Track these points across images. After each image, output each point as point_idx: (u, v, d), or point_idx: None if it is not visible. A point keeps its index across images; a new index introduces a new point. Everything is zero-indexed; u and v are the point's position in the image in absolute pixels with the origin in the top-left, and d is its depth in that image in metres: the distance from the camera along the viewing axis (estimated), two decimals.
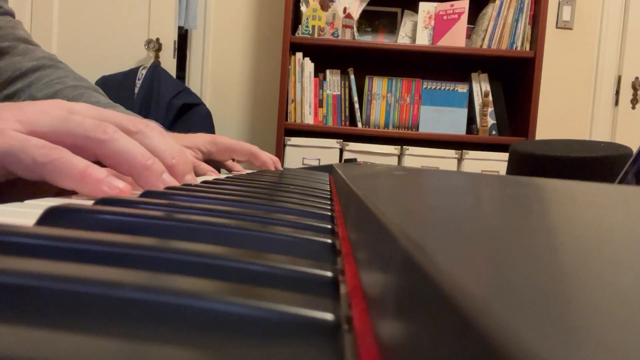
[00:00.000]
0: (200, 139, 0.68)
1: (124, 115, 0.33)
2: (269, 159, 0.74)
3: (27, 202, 0.23)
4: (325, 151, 1.99)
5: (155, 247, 0.14)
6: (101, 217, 0.19)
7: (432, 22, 2.05)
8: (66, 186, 0.27)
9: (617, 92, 2.33)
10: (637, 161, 0.59)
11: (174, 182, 0.33)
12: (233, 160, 0.75)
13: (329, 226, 0.22)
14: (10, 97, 0.60)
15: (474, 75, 2.09)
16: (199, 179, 0.42)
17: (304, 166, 1.70)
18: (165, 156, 0.34)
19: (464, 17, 2.00)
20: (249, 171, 0.74)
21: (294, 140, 1.99)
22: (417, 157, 1.99)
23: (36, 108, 0.29)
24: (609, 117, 2.34)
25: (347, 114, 2.10)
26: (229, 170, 0.76)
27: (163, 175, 0.32)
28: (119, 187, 0.27)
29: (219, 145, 0.69)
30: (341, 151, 2.00)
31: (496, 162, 1.97)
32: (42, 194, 0.31)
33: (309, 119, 2.06)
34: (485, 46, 2.01)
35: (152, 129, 0.34)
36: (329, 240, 0.18)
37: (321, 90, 2.08)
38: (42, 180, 0.27)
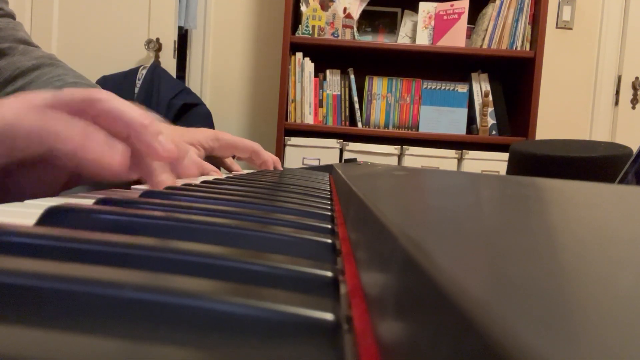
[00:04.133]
0: (202, 134, 0.67)
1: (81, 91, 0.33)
2: (270, 158, 0.74)
3: (27, 202, 0.23)
4: (325, 151, 1.99)
5: (155, 247, 0.14)
6: (101, 217, 0.19)
7: (432, 22, 2.05)
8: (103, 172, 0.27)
9: (617, 92, 2.33)
10: (637, 161, 0.59)
11: (170, 145, 0.32)
12: (234, 157, 0.75)
13: (329, 226, 0.22)
14: (10, 96, 0.60)
15: (474, 75, 2.09)
16: (200, 179, 0.42)
17: (304, 166, 1.70)
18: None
19: (464, 17, 2.00)
20: (248, 171, 0.74)
21: (294, 140, 1.99)
22: (417, 157, 1.99)
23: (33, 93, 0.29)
24: (609, 117, 2.34)
25: (347, 114, 2.10)
26: (228, 169, 0.76)
27: (160, 136, 0.31)
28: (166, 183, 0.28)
29: (222, 142, 0.68)
30: (341, 151, 2.00)
31: (496, 162, 1.97)
32: (45, 190, 0.31)
33: (309, 119, 2.06)
34: (485, 46, 2.01)
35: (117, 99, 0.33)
36: (329, 240, 0.18)
37: (321, 90, 2.08)
38: (42, 176, 0.27)
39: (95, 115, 0.29)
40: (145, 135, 0.30)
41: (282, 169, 0.78)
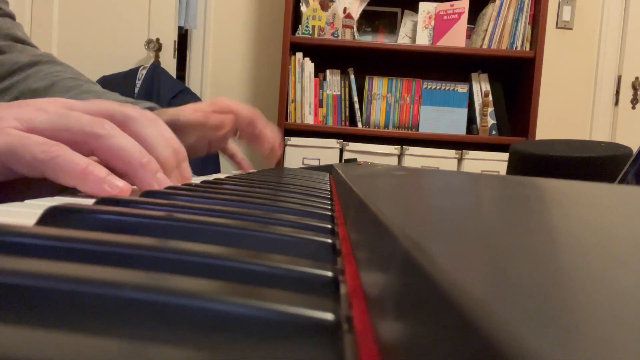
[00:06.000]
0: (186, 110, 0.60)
1: (117, 104, 0.33)
2: (270, 133, 0.65)
3: (27, 202, 0.23)
4: (325, 151, 1.99)
5: (156, 247, 0.14)
6: (101, 217, 0.19)
7: (432, 22, 2.05)
8: (67, 183, 0.27)
9: (617, 92, 2.33)
10: (637, 161, 0.59)
11: (168, 182, 0.33)
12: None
13: (329, 226, 0.22)
14: (6, 90, 0.60)
15: (474, 75, 2.09)
16: (200, 179, 0.42)
17: (304, 166, 1.70)
18: (159, 150, 0.33)
19: (464, 17, 2.00)
20: (252, 170, 0.73)
21: (294, 140, 1.99)
22: (417, 157, 1.99)
23: (33, 106, 0.29)
24: (609, 117, 2.34)
25: (347, 114, 2.10)
26: (232, 158, 0.70)
27: (157, 174, 0.32)
28: (119, 186, 0.28)
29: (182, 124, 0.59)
30: (341, 151, 2.00)
31: (496, 162, 1.97)
32: (44, 191, 0.32)
33: (309, 119, 2.06)
34: (485, 46, 2.01)
35: (148, 118, 0.34)
36: (329, 240, 0.18)
37: (321, 90, 2.08)
38: (43, 177, 0.28)
39: (95, 149, 0.30)
40: (144, 174, 0.31)
41: (279, 151, 0.69)
